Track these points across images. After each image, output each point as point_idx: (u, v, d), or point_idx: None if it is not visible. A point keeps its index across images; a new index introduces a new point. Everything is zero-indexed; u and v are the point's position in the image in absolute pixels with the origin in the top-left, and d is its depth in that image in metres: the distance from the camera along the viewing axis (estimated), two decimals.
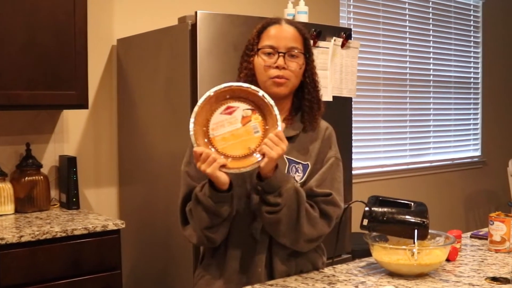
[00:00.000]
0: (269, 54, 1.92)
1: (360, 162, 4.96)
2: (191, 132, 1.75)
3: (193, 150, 1.75)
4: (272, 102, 1.77)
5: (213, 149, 1.76)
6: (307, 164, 1.95)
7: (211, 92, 1.77)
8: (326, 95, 3.39)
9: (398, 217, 2.00)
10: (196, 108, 1.76)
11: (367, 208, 2.03)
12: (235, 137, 1.77)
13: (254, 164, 1.76)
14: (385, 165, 5.24)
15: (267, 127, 1.78)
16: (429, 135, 5.71)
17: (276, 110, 1.76)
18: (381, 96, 5.19)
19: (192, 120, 1.76)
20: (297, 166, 1.94)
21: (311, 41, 3.27)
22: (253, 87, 1.79)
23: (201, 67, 2.85)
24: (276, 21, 1.97)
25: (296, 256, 1.98)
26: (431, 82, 5.68)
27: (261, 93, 1.78)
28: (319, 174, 1.95)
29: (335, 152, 2.02)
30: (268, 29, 1.95)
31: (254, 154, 1.77)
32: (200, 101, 1.77)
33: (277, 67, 1.90)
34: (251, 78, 1.94)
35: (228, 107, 1.78)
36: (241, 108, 1.78)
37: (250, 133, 1.78)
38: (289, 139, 1.92)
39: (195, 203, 1.85)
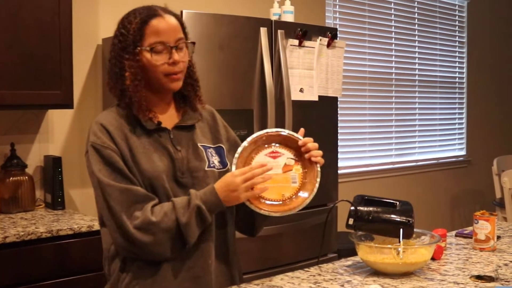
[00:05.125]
0: (159, 51, 1.81)
1: (346, 162, 4.96)
2: (234, 163, 1.83)
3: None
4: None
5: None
6: (219, 146, 1.96)
7: (261, 133, 1.87)
8: (312, 95, 3.40)
9: (383, 216, 2.00)
10: (244, 143, 1.85)
11: (352, 208, 2.03)
12: (273, 181, 1.83)
13: (289, 211, 1.84)
14: (371, 164, 5.25)
15: (305, 180, 1.86)
16: (415, 134, 5.74)
17: (319, 168, 1.85)
18: (366, 96, 5.21)
19: (238, 151, 1.84)
20: (210, 150, 1.92)
21: (297, 41, 3.30)
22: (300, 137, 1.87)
23: None
24: (155, 13, 1.85)
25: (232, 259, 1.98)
26: (417, 81, 5.71)
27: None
28: None
29: (232, 131, 2.07)
30: (150, 24, 1.82)
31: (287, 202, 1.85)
32: (250, 138, 1.86)
33: (173, 63, 1.81)
34: (140, 76, 1.81)
35: (274, 152, 1.86)
36: (286, 156, 1.86)
37: (287, 182, 1.85)
38: (193, 127, 1.92)
39: (196, 215, 1.75)
